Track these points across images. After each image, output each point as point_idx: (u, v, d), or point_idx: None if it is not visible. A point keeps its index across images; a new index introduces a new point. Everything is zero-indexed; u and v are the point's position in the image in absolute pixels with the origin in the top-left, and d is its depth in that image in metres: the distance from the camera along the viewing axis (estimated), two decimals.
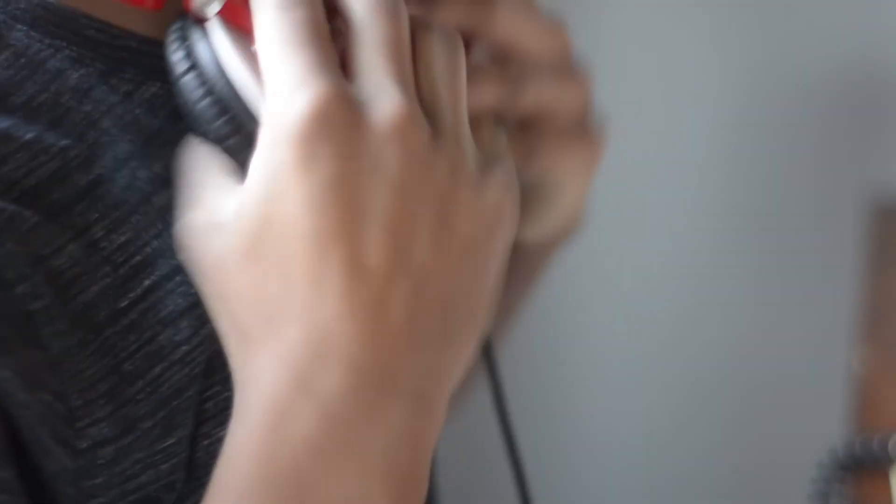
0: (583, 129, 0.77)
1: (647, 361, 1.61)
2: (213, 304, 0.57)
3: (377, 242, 0.54)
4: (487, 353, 0.72)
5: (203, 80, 0.58)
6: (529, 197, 0.79)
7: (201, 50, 0.58)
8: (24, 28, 0.59)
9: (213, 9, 0.57)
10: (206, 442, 0.61)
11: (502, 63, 0.74)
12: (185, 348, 0.60)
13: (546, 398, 1.63)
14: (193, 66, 0.58)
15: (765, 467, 1.59)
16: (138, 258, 0.59)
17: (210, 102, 0.57)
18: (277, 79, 0.55)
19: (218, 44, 0.58)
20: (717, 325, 1.59)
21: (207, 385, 0.61)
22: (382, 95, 0.56)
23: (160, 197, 0.60)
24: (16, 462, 0.57)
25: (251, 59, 0.57)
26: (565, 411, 1.66)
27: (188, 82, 0.58)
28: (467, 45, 0.69)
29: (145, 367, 0.59)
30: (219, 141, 0.57)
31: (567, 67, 0.76)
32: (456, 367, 0.59)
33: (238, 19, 0.58)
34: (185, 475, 0.61)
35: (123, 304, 0.59)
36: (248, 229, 0.55)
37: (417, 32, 0.59)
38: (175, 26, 0.59)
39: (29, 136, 0.57)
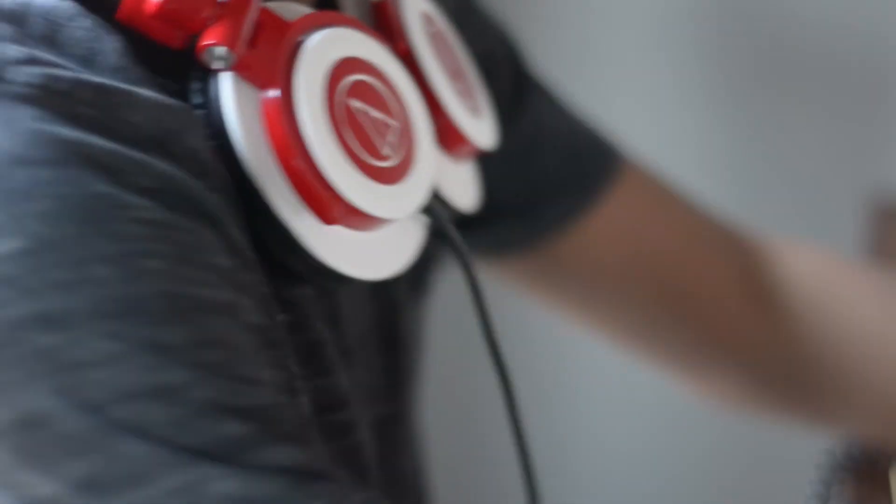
0: None
1: None
2: None
3: None
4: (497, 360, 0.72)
5: (208, 119, 0.60)
6: None
7: (212, 90, 0.60)
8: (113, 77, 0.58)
9: (217, 66, 0.59)
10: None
11: None
12: None
13: (547, 397, 1.63)
14: (203, 105, 0.60)
15: (763, 467, 1.59)
16: None
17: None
18: None
19: (224, 93, 0.60)
20: None
21: None
22: None
23: None
24: None
25: (251, 110, 0.59)
26: (565, 411, 1.66)
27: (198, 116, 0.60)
28: None
29: None
30: None
31: None
32: None
33: (249, 72, 0.60)
34: None
35: None
36: None
37: None
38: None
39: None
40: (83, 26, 0.57)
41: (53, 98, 0.54)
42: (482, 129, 0.72)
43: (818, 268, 0.93)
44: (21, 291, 0.51)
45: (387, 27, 0.69)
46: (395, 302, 0.76)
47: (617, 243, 0.87)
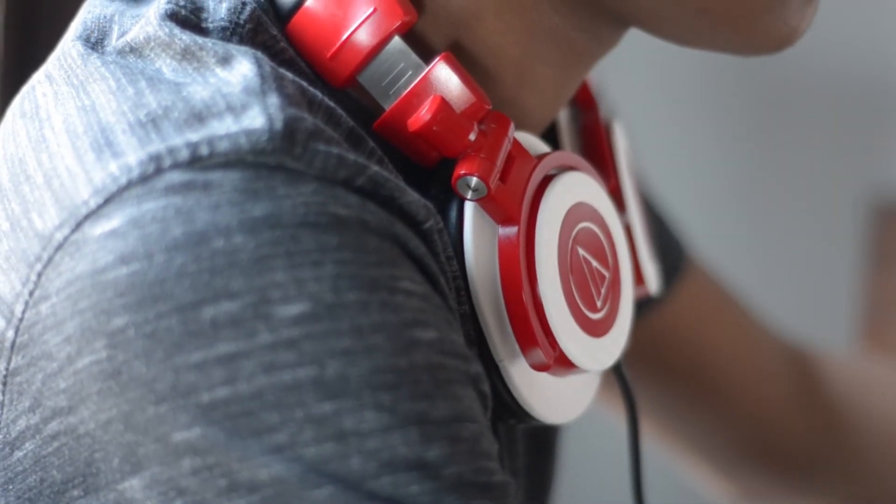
0: None
1: None
2: None
3: None
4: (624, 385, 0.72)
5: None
6: None
7: (452, 215, 0.60)
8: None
9: (468, 196, 0.58)
10: None
11: None
12: None
13: None
14: (439, 228, 0.59)
15: None
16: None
17: None
18: None
19: (466, 222, 0.59)
20: None
21: None
22: None
23: None
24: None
25: (489, 242, 0.59)
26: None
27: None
28: None
29: None
30: None
31: None
32: None
33: (491, 205, 0.59)
34: None
35: None
36: None
37: None
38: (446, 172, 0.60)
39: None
40: (349, 124, 0.57)
41: (339, 171, 0.54)
42: (654, 275, 0.73)
43: (846, 366, 0.95)
44: (302, 356, 0.51)
45: (599, 158, 0.69)
46: None
47: (678, 342, 0.87)
